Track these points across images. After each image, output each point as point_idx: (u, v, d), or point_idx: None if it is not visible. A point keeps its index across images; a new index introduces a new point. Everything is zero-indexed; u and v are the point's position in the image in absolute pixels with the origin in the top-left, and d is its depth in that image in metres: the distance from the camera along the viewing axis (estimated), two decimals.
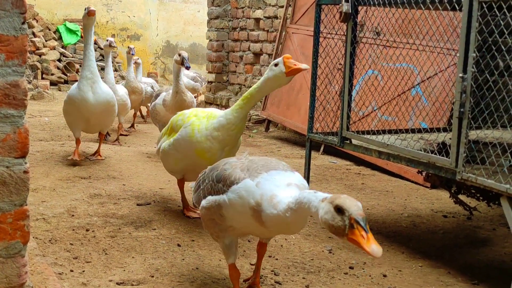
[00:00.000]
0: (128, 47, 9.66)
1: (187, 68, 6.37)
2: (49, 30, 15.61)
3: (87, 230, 4.44)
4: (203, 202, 3.23)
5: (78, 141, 6.72)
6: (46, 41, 15.13)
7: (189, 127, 4.38)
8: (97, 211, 4.90)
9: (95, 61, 6.34)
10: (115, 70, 15.34)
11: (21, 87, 2.62)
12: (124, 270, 3.78)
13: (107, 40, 8.45)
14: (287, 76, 3.87)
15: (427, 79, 5.72)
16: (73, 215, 4.76)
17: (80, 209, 4.92)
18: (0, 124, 2.55)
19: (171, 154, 4.60)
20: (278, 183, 2.90)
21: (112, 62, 10.13)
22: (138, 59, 10.42)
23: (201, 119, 4.37)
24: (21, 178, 2.66)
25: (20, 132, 2.64)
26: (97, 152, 6.90)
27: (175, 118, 4.66)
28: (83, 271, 3.72)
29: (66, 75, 14.68)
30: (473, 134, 3.86)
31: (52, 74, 14.41)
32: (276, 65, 3.90)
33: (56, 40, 15.44)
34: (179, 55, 6.51)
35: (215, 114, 4.34)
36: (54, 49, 15.03)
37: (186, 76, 11.18)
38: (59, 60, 14.89)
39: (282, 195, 2.82)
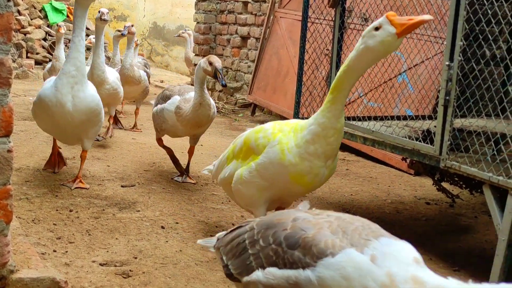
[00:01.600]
0: (125, 26, 7.88)
1: (224, 86, 4.83)
2: (35, 8, 15.42)
3: (71, 211, 4.42)
4: (259, 276, 2.19)
5: (55, 140, 5.38)
6: (31, 19, 14.96)
7: (276, 146, 3.42)
8: (81, 192, 4.88)
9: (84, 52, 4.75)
10: None
11: (5, 65, 2.60)
12: (108, 251, 3.78)
13: (99, 12, 6.56)
14: (399, 37, 2.89)
15: (414, 66, 5.73)
16: (56, 196, 4.74)
17: (64, 189, 4.90)
18: None
19: (254, 183, 3.57)
20: (402, 258, 1.96)
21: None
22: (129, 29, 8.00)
23: (288, 135, 3.43)
24: (4, 157, 2.65)
25: (4, 111, 2.62)
26: (77, 178, 5.05)
27: (252, 136, 3.63)
28: (66, 252, 3.72)
29: (51, 54, 14.53)
30: (458, 122, 3.89)
31: (37, 53, 14.26)
32: (377, 28, 2.94)
33: (41, 19, 15.26)
34: (210, 63, 4.84)
35: (302, 125, 3.41)
36: (40, 28, 14.86)
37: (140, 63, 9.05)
38: (45, 39, 14.73)
39: (433, 279, 1.90)
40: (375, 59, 3.12)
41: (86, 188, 4.97)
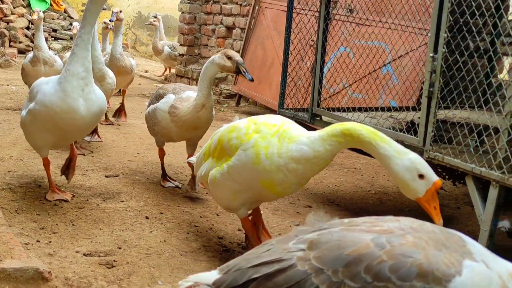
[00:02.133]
0: (112, 12, 7.28)
1: (251, 80, 4.31)
2: None
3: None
4: None
5: (47, 163, 4.52)
6: (14, 8, 14.81)
7: (251, 149, 3.17)
8: (65, 181, 4.85)
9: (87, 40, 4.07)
10: None
11: None
12: (91, 242, 3.77)
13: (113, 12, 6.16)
14: (416, 199, 2.81)
15: (398, 58, 5.75)
16: (40, 186, 4.71)
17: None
18: None
19: (227, 185, 3.38)
20: (489, 255, 2.02)
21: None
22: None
23: (269, 138, 3.14)
24: None
25: None
26: (69, 169, 4.71)
27: (226, 135, 3.37)
28: (50, 242, 3.70)
29: None
30: (442, 114, 3.91)
31: (20, 42, 14.13)
32: (422, 176, 2.71)
33: (24, 7, 15.11)
34: (229, 58, 4.24)
35: (292, 135, 3.11)
36: (23, 16, 14.71)
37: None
38: (28, 28, 14.59)
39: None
40: (390, 172, 2.84)
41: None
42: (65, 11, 15.86)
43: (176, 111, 4.59)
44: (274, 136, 3.13)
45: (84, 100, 4.06)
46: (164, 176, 5.12)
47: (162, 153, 5.10)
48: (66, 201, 4.40)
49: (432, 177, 2.67)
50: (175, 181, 5.13)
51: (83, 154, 5.06)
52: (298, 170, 3.08)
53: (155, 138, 5.06)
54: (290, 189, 3.25)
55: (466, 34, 3.58)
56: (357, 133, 2.85)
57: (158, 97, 4.81)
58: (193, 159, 4.04)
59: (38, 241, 3.70)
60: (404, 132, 3.93)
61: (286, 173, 3.10)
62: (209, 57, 11.89)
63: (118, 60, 7.12)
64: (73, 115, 4.05)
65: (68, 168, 4.72)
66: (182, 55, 11.66)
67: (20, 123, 4.44)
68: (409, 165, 2.69)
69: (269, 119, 3.25)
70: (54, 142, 4.41)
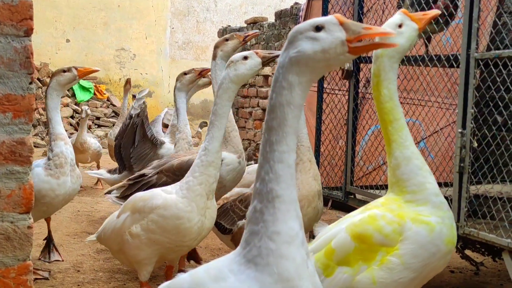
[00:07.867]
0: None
1: None
2: None
3: (93, 286, 4.45)
4: None
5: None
6: None
7: (414, 225, 2.76)
8: (103, 266, 4.92)
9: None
10: None
11: (27, 144, 2.70)
12: None
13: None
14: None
15: (431, 134, 5.77)
16: (78, 271, 4.78)
17: (86, 264, 4.94)
18: (6, 181, 2.63)
19: (396, 281, 2.78)
20: None
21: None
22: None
23: (399, 210, 2.82)
24: (25, 234, 2.72)
25: (25, 188, 2.71)
26: None
27: (369, 229, 2.82)
28: None
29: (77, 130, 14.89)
30: (474, 189, 3.89)
31: (65, 131, 14.64)
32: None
33: (69, 97, 15.72)
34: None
35: (385, 201, 2.92)
36: (68, 106, 15.29)
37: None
38: (72, 117, 15.13)
39: None
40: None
41: None
42: (108, 99, 16.43)
43: None
44: (400, 204, 2.86)
45: None
46: None
47: None
48: None
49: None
50: None
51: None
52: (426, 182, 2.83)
53: None
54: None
55: (493, 109, 3.61)
56: (384, 108, 3.08)
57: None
58: None
59: None
60: None
61: (438, 192, 2.83)
62: (247, 139, 11.89)
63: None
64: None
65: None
66: None
67: None
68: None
69: (377, 201, 3.00)
70: None
